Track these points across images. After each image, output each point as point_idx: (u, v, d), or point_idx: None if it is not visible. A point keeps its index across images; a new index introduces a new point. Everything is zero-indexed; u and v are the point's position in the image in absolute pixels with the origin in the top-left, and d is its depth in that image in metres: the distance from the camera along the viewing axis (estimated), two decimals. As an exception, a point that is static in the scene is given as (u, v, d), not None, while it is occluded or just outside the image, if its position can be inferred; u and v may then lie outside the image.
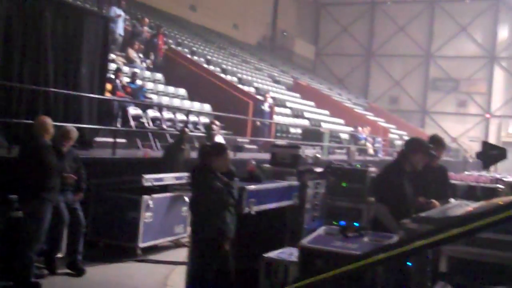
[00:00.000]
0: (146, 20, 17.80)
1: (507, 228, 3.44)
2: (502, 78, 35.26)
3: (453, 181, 8.59)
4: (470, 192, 7.06)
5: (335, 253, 4.39)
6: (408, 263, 3.73)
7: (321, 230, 5.09)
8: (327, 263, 4.33)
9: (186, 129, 10.34)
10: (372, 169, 7.18)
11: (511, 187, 6.20)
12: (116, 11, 16.39)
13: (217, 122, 10.19)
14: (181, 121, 13.29)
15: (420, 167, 5.44)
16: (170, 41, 19.53)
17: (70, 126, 7.32)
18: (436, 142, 5.93)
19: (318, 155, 7.38)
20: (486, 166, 5.67)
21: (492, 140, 33.15)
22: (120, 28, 16.43)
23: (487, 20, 35.33)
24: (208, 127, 9.87)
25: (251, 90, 20.77)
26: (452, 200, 5.80)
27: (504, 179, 7.49)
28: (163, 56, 17.34)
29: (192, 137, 11.81)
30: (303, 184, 6.64)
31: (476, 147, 33.63)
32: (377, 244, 4.16)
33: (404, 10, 37.15)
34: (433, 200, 5.50)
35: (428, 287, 4.01)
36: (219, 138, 9.95)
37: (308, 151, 6.99)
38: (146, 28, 17.30)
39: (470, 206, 4.78)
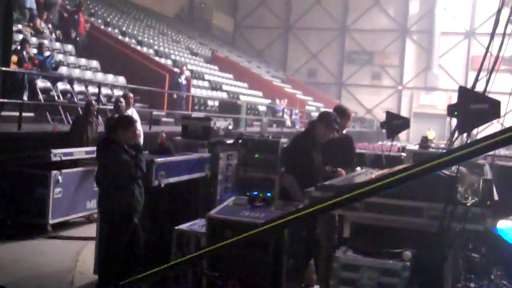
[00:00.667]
0: (82, 3, 16.94)
1: (398, 194, 3.61)
2: (413, 51, 36.58)
3: (361, 150, 8.91)
4: (377, 161, 7.34)
5: (242, 222, 4.46)
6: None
7: (230, 201, 5.15)
8: (235, 232, 4.37)
9: (93, 102, 10.13)
10: (284, 140, 7.27)
11: (413, 155, 6.47)
12: None
13: (130, 95, 9.97)
14: (93, 94, 12.91)
15: (326, 139, 5.59)
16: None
17: None
18: (341, 112, 6.09)
19: (230, 127, 7.40)
20: (389, 135, 5.86)
21: (404, 110, 34.51)
22: (30, 1, 15.58)
23: (399, -7, 36.47)
24: (116, 100, 9.67)
25: (168, 62, 20.47)
26: (358, 168, 6.00)
27: (408, 147, 7.84)
28: (85, 34, 16.68)
29: (100, 110, 11.51)
30: (215, 155, 6.65)
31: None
32: (283, 212, 4.24)
33: (320, -17, 37.61)
34: (339, 169, 5.67)
35: (333, 252, 4.14)
36: (132, 111, 9.78)
37: (220, 123, 6.98)
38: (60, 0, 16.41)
39: (374, 174, 4.97)
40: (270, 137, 7.28)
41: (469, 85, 8.92)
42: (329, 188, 4.21)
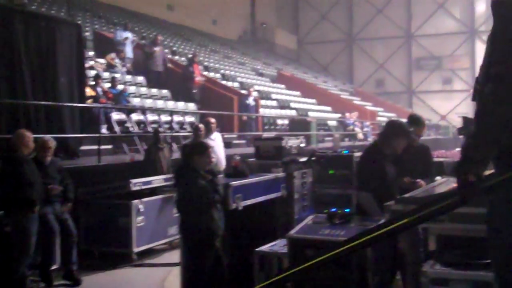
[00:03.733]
0: (159, 38, 17.26)
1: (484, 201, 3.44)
2: (484, 51, 35.29)
3: (439, 159, 8.62)
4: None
5: (323, 241, 4.40)
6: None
7: (308, 220, 5.09)
8: (317, 251, 4.31)
9: (159, 128, 10.39)
10: (358, 154, 7.16)
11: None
12: (122, 34, 16.27)
13: (212, 120, 10.06)
14: (166, 122, 13.24)
15: (400, 150, 5.41)
16: (143, 42, 19.29)
17: (47, 136, 7.29)
18: (415, 121, 5.92)
19: (302, 145, 7.36)
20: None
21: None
22: (129, 52, 16.35)
23: (463, -5, 35.48)
24: (195, 128, 9.82)
25: (235, 85, 20.72)
26: (438, 178, 5.79)
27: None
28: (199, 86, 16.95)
29: (172, 137, 11.76)
30: (289, 175, 6.63)
31: (465, 122, 33.82)
32: (363, 228, 4.14)
33: (381, -8, 37.17)
34: (419, 180, 5.48)
35: (420, 266, 4.01)
36: (216, 136, 9.91)
37: (291, 142, 6.96)
38: (157, 49, 16.60)
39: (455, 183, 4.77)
40: (344, 152, 7.20)
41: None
42: (410, 200, 4.08)
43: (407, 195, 4.36)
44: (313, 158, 6.83)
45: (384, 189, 5.08)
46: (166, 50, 20.61)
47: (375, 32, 37.02)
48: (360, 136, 22.32)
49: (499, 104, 2.39)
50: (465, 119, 5.72)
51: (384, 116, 29.64)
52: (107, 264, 7.93)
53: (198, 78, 16.88)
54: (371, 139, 22.28)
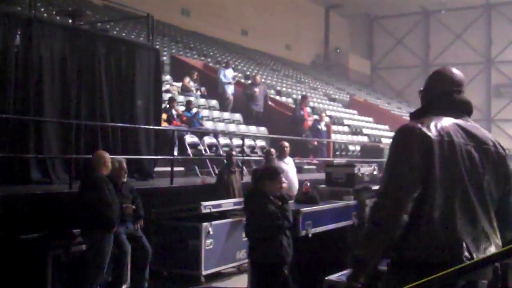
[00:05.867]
0: (258, 79, 17.14)
1: None
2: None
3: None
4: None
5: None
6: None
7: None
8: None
9: (233, 152, 10.44)
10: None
11: None
12: (225, 72, 16.53)
13: (285, 144, 10.04)
14: (237, 146, 13.33)
15: None
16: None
17: (120, 158, 7.48)
18: None
19: (375, 172, 7.19)
20: None
21: None
22: (231, 89, 16.68)
23: (547, 20, 34.06)
24: (267, 152, 9.81)
25: (308, 110, 20.63)
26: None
27: None
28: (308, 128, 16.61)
29: (243, 161, 11.81)
30: (362, 202, 6.48)
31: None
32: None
33: (459, 17, 36.22)
34: None
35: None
36: (289, 161, 9.89)
37: (364, 169, 6.82)
38: (257, 89, 16.41)
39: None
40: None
41: None
42: None
43: None
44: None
45: None
46: (240, 74, 20.89)
47: (452, 58, 36.01)
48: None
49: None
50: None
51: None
52: (175, 286, 7.98)
53: (309, 121, 16.73)
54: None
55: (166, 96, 13.28)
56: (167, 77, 15.89)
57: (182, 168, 11.64)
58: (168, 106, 12.41)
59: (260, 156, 13.04)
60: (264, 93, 16.92)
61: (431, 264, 2.46)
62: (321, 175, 9.98)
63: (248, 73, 22.28)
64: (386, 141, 21.66)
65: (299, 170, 13.43)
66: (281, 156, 9.72)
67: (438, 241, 2.49)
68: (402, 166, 2.56)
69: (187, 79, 15.52)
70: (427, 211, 2.51)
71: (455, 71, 2.89)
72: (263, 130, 15.96)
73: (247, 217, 5.67)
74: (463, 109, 2.78)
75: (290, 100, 21.13)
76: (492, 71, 35.67)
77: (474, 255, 2.48)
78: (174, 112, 12.36)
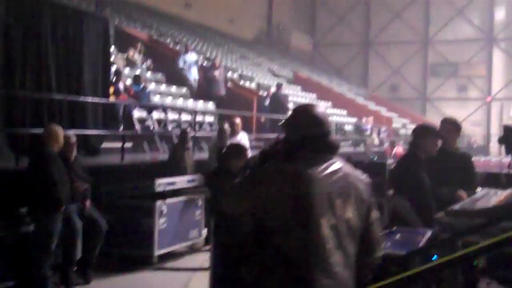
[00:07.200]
0: (217, 61, 16.81)
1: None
2: (502, 60, 34.99)
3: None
4: (492, 180, 6.72)
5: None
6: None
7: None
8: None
9: (188, 129, 10.21)
10: (390, 161, 6.92)
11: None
12: (186, 58, 16.13)
13: (237, 120, 9.82)
14: (186, 122, 13.02)
15: (434, 151, 5.15)
16: (168, 40, 19.14)
17: (69, 132, 7.10)
18: (448, 124, 5.67)
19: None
20: (509, 151, 5.33)
21: (494, 124, 32.97)
22: (194, 74, 16.32)
23: (482, 1, 35.05)
24: (220, 129, 9.58)
25: (253, 86, 20.49)
26: (477, 189, 5.51)
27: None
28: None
29: (195, 137, 11.55)
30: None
31: (479, 132, 33.52)
32: (410, 241, 3.88)
33: (399, -4, 36.86)
34: (460, 191, 5.21)
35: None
36: (241, 137, 9.68)
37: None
38: (217, 73, 16.08)
39: (501, 195, 4.53)
40: (375, 158, 6.96)
41: None
42: (462, 213, 3.90)
43: (456, 207, 4.12)
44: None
45: (420, 198, 4.88)
46: (178, 47, 20.32)
47: (392, 37, 36.69)
48: (377, 142, 22.03)
49: None
50: (508, 128, 5.42)
51: (398, 123, 29.37)
52: (127, 266, 7.71)
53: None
54: (386, 145, 22.06)
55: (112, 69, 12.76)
56: (112, 49, 15.25)
57: (129, 144, 11.24)
58: (114, 79, 11.90)
59: (209, 132, 12.81)
60: (224, 76, 16.63)
61: None
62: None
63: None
64: (330, 119, 21.81)
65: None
66: (233, 132, 9.54)
67: None
68: None
69: (131, 51, 14.98)
70: None
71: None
72: (211, 105, 15.67)
73: (212, 196, 5.47)
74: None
75: (235, 75, 20.84)
76: (428, 51, 36.54)
77: None
78: (121, 85, 11.88)
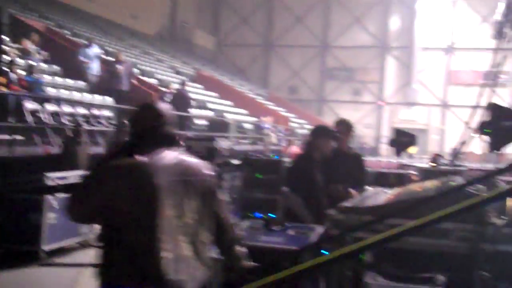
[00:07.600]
0: (121, 56, 16.33)
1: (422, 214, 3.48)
2: (394, 67, 36.89)
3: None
4: (381, 179, 7.16)
5: (262, 248, 4.28)
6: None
7: (244, 225, 4.96)
8: (253, 258, 4.20)
9: (81, 123, 9.97)
10: (287, 159, 7.15)
11: (424, 172, 6.36)
12: (88, 52, 15.59)
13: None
14: (83, 115, 12.66)
15: (329, 151, 5.40)
16: (67, 32, 18.52)
17: None
18: (342, 125, 5.95)
19: (234, 147, 7.26)
20: (398, 152, 5.71)
21: (385, 126, 34.66)
22: (96, 69, 15.75)
23: (379, 11, 36.76)
24: (121, 123, 9.42)
25: (154, 81, 20.28)
26: (367, 187, 5.84)
27: (414, 165, 7.67)
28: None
29: (91, 132, 11.29)
30: (219, 177, 6.49)
31: (371, 133, 35.10)
32: (302, 236, 4.06)
33: (301, 1, 37.80)
34: (350, 189, 5.49)
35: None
36: None
37: (222, 143, 6.84)
38: (120, 67, 15.55)
39: (389, 194, 4.83)
40: (273, 156, 7.16)
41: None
42: (353, 210, 4.09)
43: (347, 204, 4.35)
44: (246, 161, 6.73)
45: (312, 195, 5.09)
46: (81, 40, 19.80)
47: (293, 40, 37.61)
48: (274, 140, 22.51)
49: None
50: (397, 131, 5.82)
51: (296, 122, 30.17)
52: (13, 262, 7.42)
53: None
54: (284, 144, 22.60)
55: (5, 59, 12.17)
56: (6, 38, 14.53)
57: (20, 137, 10.78)
58: (8, 69, 11.35)
59: (106, 127, 12.55)
60: (129, 71, 16.27)
61: None
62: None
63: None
64: (230, 116, 22.06)
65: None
66: None
67: None
68: None
69: (26, 42, 14.35)
70: None
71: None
72: (109, 100, 15.33)
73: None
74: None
75: (137, 70, 20.50)
76: (327, 55, 37.78)
77: None
78: (13, 76, 11.35)
